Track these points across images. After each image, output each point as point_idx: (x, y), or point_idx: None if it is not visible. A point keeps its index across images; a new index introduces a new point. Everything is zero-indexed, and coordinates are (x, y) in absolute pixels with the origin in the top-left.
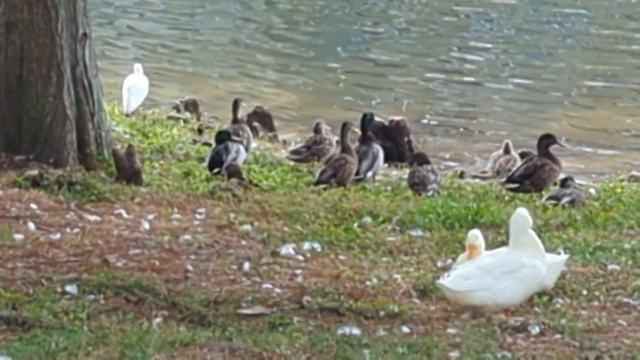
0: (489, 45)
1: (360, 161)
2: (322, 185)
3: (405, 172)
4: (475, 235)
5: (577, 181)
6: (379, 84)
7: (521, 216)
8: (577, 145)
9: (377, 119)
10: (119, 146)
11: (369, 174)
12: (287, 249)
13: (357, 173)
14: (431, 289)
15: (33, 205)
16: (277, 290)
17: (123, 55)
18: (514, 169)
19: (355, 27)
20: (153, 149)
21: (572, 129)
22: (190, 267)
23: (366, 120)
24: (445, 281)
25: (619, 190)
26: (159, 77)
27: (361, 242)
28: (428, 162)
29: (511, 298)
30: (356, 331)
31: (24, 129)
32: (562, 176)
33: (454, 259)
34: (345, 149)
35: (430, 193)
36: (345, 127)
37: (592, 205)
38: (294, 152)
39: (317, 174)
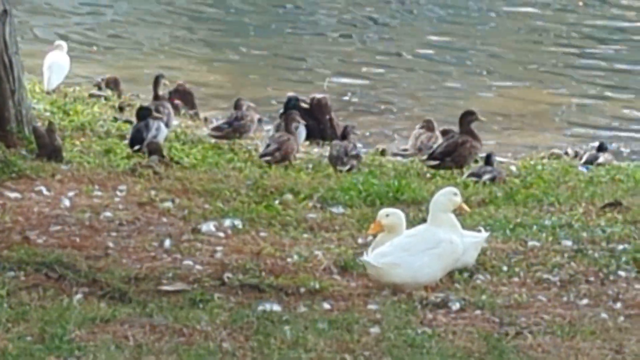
0: (416, 23)
1: None
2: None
3: (327, 150)
4: (386, 213)
5: (498, 158)
6: (300, 62)
7: (443, 197)
8: (499, 123)
9: (297, 96)
10: (39, 123)
11: None
12: (208, 226)
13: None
14: (352, 265)
15: None
16: (198, 267)
17: (43, 32)
18: (435, 146)
19: (278, 4)
20: (74, 127)
21: (494, 107)
22: (111, 244)
23: (289, 105)
24: (368, 257)
25: (539, 167)
26: (81, 54)
27: (282, 219)
28: (355, 134)
29: (430, 274)
30: (277, 307)
31: None
32: (483, 153)
33: (374, 237)
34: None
35: (347, 167)
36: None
37: (513, 182)
38: (215, 129)
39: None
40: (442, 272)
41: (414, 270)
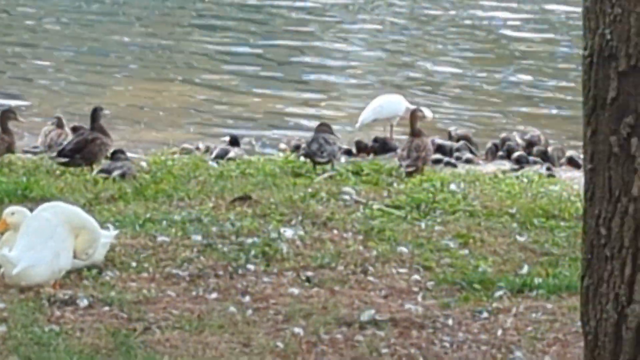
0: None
1: None
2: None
3: None
4: (12, 212)
5: (129, 154)
6: None
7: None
8: (131, 119)
9: None
10: None
11: None
12: None
13: None
14: None
15: None
16: None
17: None
18: (65, 143)
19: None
20: None
21: (125, 102)
22: None
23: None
24: (14, 271)
25: (170, 162)
26: None
27: None
28: None
29: (67, 257)
30: None
31: None
32: (113, 149)
33: (2, 235)
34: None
35: None
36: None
37: (143, 178)
38: None
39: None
40: (73, 249)
41: (50, 261)
